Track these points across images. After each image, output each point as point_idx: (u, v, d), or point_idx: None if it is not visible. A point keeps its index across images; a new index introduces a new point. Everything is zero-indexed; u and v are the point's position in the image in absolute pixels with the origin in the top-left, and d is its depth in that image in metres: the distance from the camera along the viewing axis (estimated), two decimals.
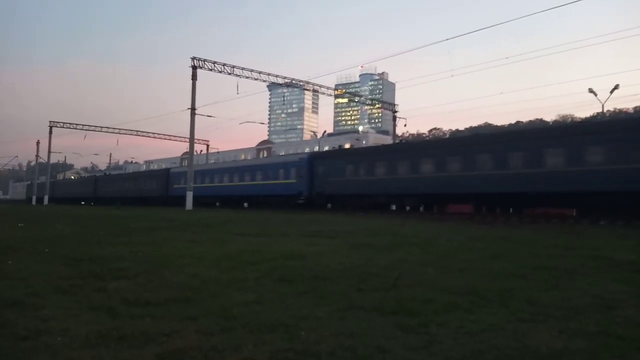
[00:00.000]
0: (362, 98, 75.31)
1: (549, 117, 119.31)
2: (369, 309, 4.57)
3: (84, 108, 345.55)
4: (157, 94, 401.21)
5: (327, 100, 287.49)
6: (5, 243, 9.89)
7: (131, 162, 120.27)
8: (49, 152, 64.02)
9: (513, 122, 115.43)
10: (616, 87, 41.61)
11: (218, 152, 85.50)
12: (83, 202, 65.92)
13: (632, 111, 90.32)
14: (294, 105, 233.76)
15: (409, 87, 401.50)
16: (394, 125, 52.27)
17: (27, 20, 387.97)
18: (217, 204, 42.86)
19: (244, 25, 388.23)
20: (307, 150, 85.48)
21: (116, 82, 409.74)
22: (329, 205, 32.79)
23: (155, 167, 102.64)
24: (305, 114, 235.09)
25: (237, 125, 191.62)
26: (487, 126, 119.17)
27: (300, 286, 5.68)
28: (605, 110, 50.02)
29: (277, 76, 42.58)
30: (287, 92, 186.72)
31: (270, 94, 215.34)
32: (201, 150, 72.46)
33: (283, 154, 78.84)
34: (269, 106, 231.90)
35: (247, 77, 39.85)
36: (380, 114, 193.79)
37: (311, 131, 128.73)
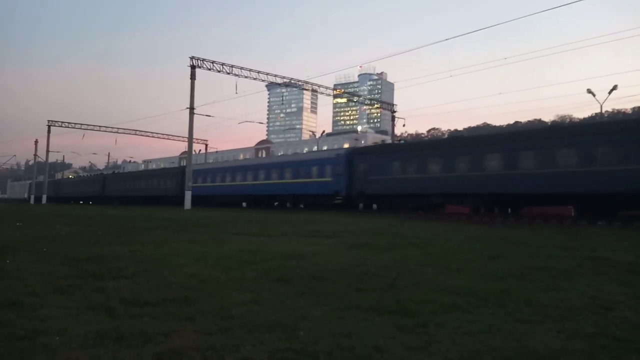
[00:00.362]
0: (361, 98, 75.20)
1: (548, 117, 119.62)
2: (367, 309, 4.58)
3: (83, 108, 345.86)
4: (155, 93, 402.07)
5: (326, 100, 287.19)
6: (4, 242, 9.86)
7: (129, 161, 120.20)
8: (47, 151, 63.90)
9: (512, 122, 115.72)
10: (615, 87, 41.71)
11: (217, 151, 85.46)
12: (91, 202, 64.18)
13: (630, 112, 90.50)
14: (292, 105, 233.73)
15: (407, 87, 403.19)
16: (393, 125, 52.27)
17: (27, 20, 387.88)
18: (244, 204, 40.71)
19: (243, 25, 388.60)
20: (305, 150, 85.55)
21: (115, 82, 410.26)
22: (374, 206, 30.37)
23: (153, 166, 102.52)
24: (304, 113, 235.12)
25: (235, 124, 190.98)
26: (486, 126, 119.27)
27: (299, 286, 5.68)
28: (603, 111, 50.09)
29: (276, 76, 42.56)
30: (285, 91, 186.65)
31: (269, 94, 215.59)
32: (200, 150, 72.46)
33: (316, 149, 75.39)
34: (268, 106, 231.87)
35: (245, 77, 39.85)
36: (379, 114, 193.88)
37: (310, 131, 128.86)
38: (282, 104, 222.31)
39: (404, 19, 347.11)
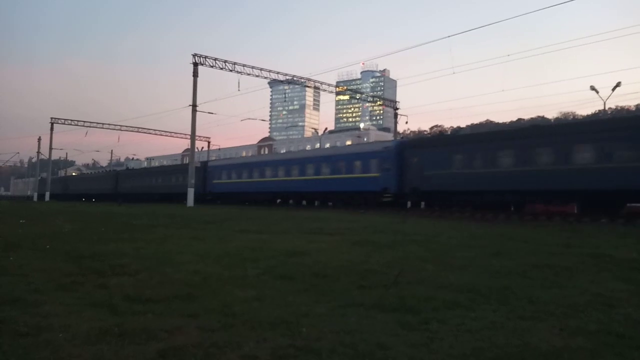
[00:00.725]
0: (364, 95, 75.10)
1: (551, 114, 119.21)
2: (370, 306, 4.58)
3: (85, 105, 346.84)
4: (158, 91, 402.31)
5: (329, 97, 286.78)
6: (7, 239, 9.90)
7: (132, 158, 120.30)
8: (51, 148, 64.03)
9: (514, 119, 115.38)
10: (618, 84, 41.48)
11: (219, 148, 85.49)
12: (95, 200, 63.39)
13: (634, 109, 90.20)
14: (295, 102, 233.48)
15: (410, 84, 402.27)
16: (395, 123, 52.21)
17: (28, 18, 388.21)
18: (278, 200, 37.88)
19: (246, 22, 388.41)
20: (308, 147, 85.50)
21: (117, 80, 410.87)
22: (422, 205, 27.39)
23: (156, 164, 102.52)
24: (307, 111, 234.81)
25: (238, 122, 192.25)
26: (488, 123, 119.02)
27: (301, 283, 5.69)
28: (607, 108, 49.94)
29: (278, 73, 42.54)
30: (288, 89, 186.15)
31: (271, 91, 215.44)
32: (202, 147, 72.52)
33: (357, 142, 71.46)
34: (270, 103, 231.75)
35: (248, 74, 39.85)
36: (381, 111, 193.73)
37: (312, 128, 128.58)
38: (285, 101, 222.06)
39: (406, 16, 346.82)
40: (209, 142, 71.14)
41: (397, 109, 51.65)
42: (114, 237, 10.72)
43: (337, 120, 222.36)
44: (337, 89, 54.91)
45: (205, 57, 37.53)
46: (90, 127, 61.62)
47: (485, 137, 25.98)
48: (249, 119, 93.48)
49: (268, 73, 41.32)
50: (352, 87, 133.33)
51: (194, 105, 37.28)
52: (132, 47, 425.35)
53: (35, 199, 66.13)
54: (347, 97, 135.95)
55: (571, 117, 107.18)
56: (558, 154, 20.64)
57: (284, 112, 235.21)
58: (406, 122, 53.26)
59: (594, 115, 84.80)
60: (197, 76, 36.96)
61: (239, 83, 38.99)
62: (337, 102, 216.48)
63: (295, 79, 44.84)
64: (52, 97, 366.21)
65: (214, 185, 43.85)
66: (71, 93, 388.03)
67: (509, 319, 4.19)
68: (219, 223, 15.66)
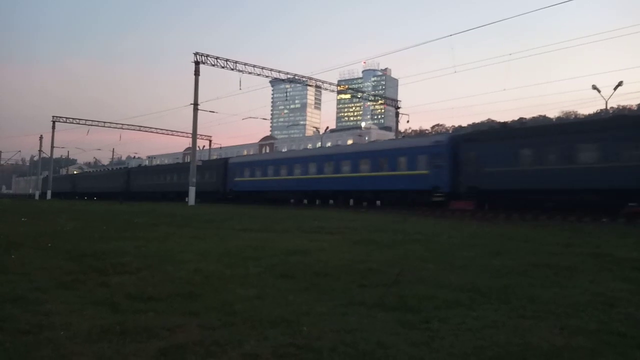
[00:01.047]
0: (365, 94, 75.12)
1: (552, 113, 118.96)
2: (371, 304, 4.59)
3: (87, 104, 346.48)
4: (159, 90, 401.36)
5: (330, 96, 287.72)
6: (8, 238, 9.92)
7: (134, 157, 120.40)
8: (52, 146, 64.16)
9: (516, 118, 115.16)
10: (620, 83, 41.45)
11: (221, 147, 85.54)
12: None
13: (635, 108, 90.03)
14: (296, 101, 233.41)
15: (411, 83, 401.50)
16: (397, 122, 52.22)
17: (29, 17, 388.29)
18: (305, 201, 35.59)
19: (247, 21, 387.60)
20: (309, 146, 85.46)
21: (119, 79, 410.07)
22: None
23: (157, 162, 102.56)
24: (308, 109, 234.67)
25: (239, 120, 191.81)
26: (490, 122, 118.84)
27: (302, 282, 5.70)
28: (609, 107, 49.86)
29: (279, 72, 42.53)
30: (289, 87, 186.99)
31: (272, 90, 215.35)
32: (204, 146, 72.51)
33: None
34: (272, 102, 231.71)
35: (249, 73, 39.85)
36: (382, 110, 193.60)
37: (314, 127, 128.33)
38: (286, 100, 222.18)
39: (408, 15, 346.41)
40: (210, 141, 71.22)
41: (399, 108, 51.62)
42: (115, 236, 10.74)
43: (339, 119, 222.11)
44: (339, 87, 54.86)
45: (207, 55, 37.54)
46: (91, 125, 61.71)
47: (557, 129, 23.30)
48: (251, 117, 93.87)
49: (269, 72, 41.35)
50: (353, 86, 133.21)
51: (196, 104, 37.30)
52: (133, 47, 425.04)
53: (37, 197, 66.22)
54: (348, 96, 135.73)
55: (573, 116, 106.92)
56: None
57: (286, 111, 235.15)
58: (407, 121, 53.38)
59: (596, 114, 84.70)
60: (199, 75, 36.96)
61: (240, 82, 39.06)
62: (339, 101, 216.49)
63: (296, 77, 44.83)
64: (53, 96, 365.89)
65: (235, 183, 40.96)
66: (72, 92, 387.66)
67: (509, 318, 4.19)
68: (220, 222, 15.68)
